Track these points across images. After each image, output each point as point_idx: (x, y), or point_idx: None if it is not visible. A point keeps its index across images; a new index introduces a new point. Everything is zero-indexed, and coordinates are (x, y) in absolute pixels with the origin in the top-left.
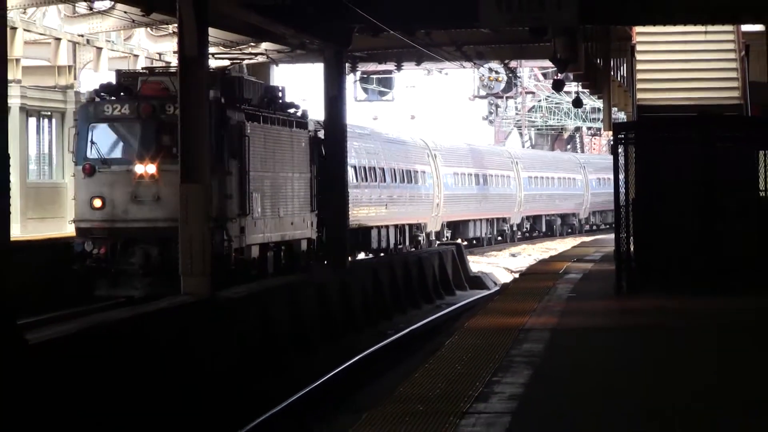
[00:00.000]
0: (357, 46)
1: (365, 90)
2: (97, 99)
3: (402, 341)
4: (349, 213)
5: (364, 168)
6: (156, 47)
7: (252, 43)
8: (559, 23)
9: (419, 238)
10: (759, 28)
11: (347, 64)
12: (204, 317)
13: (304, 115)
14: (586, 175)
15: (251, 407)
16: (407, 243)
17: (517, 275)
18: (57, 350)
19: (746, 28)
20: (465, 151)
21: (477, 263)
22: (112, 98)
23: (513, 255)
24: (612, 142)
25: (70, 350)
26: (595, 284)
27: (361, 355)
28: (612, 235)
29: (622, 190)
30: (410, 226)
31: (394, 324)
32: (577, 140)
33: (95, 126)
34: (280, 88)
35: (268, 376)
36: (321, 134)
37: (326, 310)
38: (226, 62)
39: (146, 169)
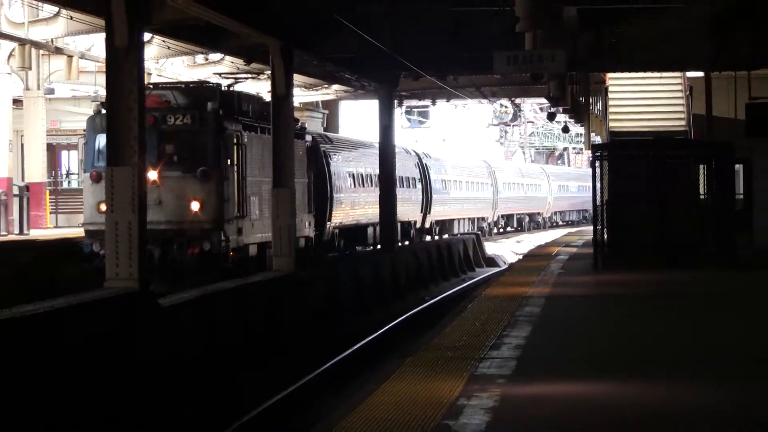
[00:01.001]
0: (403, 87)
1: (408, 120)
2: (104, 111)
3: (436, 305)
4: (348, 213)
5: (362, 175)
6: (255, 87)
7: (326, 85)
8: (552, 71)
9: (410, 234)
10: (699, 74)
11: (395, 101)
12: (289, 287)
13: (302, 128)
14: (550, 182)
15: (326, 351)
16: (400, 238)
17: (521, 257)
18: (183, 311)
19: (690, 74)
20: (451, 162)
21: (490, 247)
22: None
23: (518, 241)
24: (591, 158)
25: (193, 310)
26: (578, 263)
27: (405, 315)
28: (588, 228)
29: (599, 193)
30: (402, 223)
31: (430, 292)
32: (565, 157)
33: (101, 136)
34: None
35: (336, 329)
36: (321, 145)
37: (379, 281)
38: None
39: (148, 175)
